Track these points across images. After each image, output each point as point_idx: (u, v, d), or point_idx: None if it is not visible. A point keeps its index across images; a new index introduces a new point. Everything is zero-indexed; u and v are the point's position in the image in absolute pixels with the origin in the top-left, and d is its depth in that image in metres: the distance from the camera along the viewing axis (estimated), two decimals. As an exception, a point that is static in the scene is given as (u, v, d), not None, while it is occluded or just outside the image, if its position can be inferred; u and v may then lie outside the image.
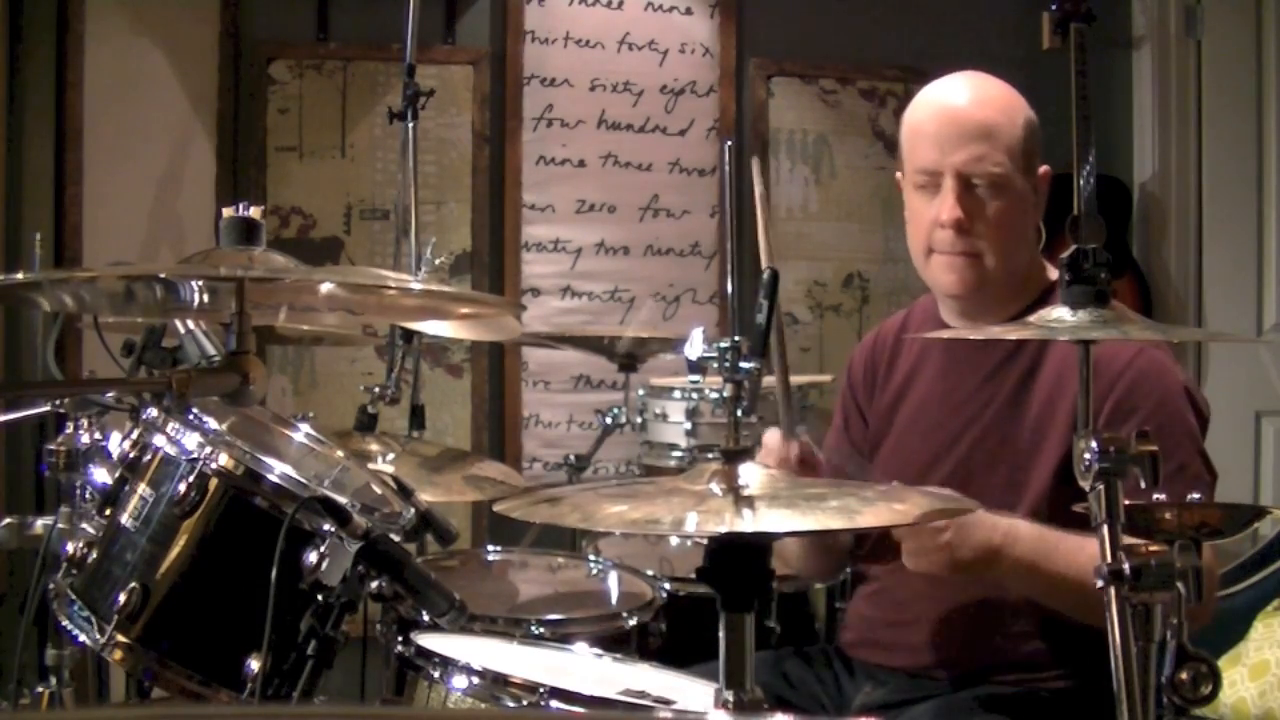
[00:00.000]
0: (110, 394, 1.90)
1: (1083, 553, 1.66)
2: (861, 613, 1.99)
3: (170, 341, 1.80)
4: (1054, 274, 1.91)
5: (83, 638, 1.58)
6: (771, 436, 1.85)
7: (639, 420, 3.03)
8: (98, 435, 1.88)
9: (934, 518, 1.39)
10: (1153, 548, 1.20)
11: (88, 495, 1.81)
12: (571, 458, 3.10)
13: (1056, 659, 1.79)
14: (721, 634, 1.31)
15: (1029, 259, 1.93)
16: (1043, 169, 1.90)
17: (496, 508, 1.44)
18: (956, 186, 1.84)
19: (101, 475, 1.73)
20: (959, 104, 1.88)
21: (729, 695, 1.31)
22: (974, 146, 1.84)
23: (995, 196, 1.85)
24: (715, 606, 1.32)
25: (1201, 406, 1.82)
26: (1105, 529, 1.21)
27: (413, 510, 1.64)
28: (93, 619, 1.56)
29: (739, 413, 1.40)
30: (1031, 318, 1.42)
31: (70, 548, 1.65)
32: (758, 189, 1.87)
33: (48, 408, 2.11)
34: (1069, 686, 1.79)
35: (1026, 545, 1.69)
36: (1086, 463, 1.23)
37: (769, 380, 2.16)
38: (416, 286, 1.77)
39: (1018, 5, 3.92)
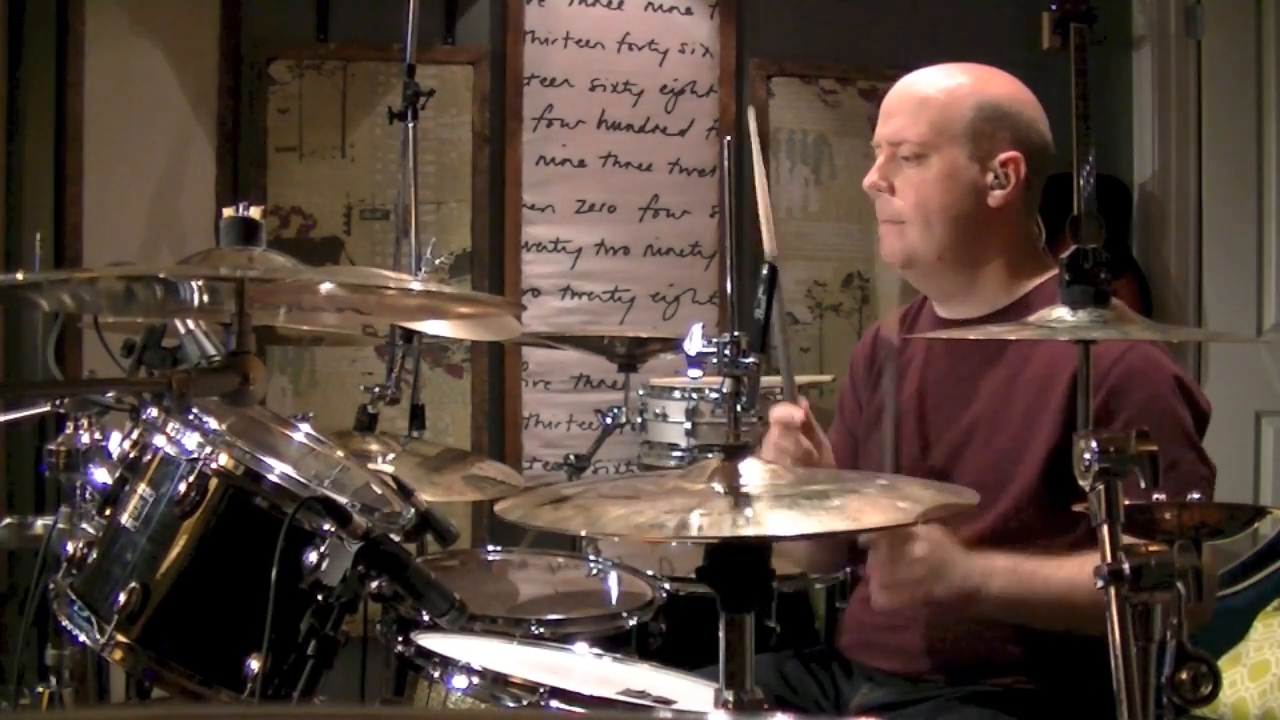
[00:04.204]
0: (110, 394, 1.90)
1: (1061, 572, 1.67)
2: (857, 616, 1.98)
3: (170, 341, 1.80)
4: (1049, 273, 1.92)
5: (83, 638, 1.58)
6: (778, 406, 1.89)
7: (639, 420, 3.03)
8: (98, 435, 1.88)
9: (933, 514, 1.39)
10: (1153, 548, 1.20)
11: (88, 495, 1.81)
12: (571, 458, 3.10)
13: (1053, 659, 1.79)
14: (721, 634, 1.31)
15: (997, 246, 1.91)
16: (1008, 154, 1.88)
17: (496, 508, 1.44)
18: (882, 155, 1.94)
19: (101, 475, 1.73)
20: (904, 82, 1.96)
21: (729, 695, 1.31)
22: (900, 118, 1.92)
23: (918, 167, 1.89)
24: (715, 606, 1.32)
25: (1198, 400, 1.81)
26: (1105, 529, 1.21)
27: (413, 510, 1.63)
28: (93, 619, 1.56)
29: (739, 408, 1.40)
30: (1031, 317, 1.42)
31: (70, 548, 1.65)
32: (755, 146, 1.91)
33: (48, 408, 2.11)
34: (1066, 686, 1.78)
35: (1003, 579, 1.71)
36: (1086, 463, 1.23)
37: (769, 380, 2.16)
38: (416, 287, 1.77)
39: (1018, 5, 3.92)
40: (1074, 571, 1.63)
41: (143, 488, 1.60)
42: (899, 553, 1.70)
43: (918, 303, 2.09)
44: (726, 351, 1.40)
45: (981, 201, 1.89)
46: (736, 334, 1.40)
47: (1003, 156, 1.88)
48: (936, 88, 1.91)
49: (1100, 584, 1.19)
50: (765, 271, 1.67)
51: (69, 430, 1.87)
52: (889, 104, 1.95)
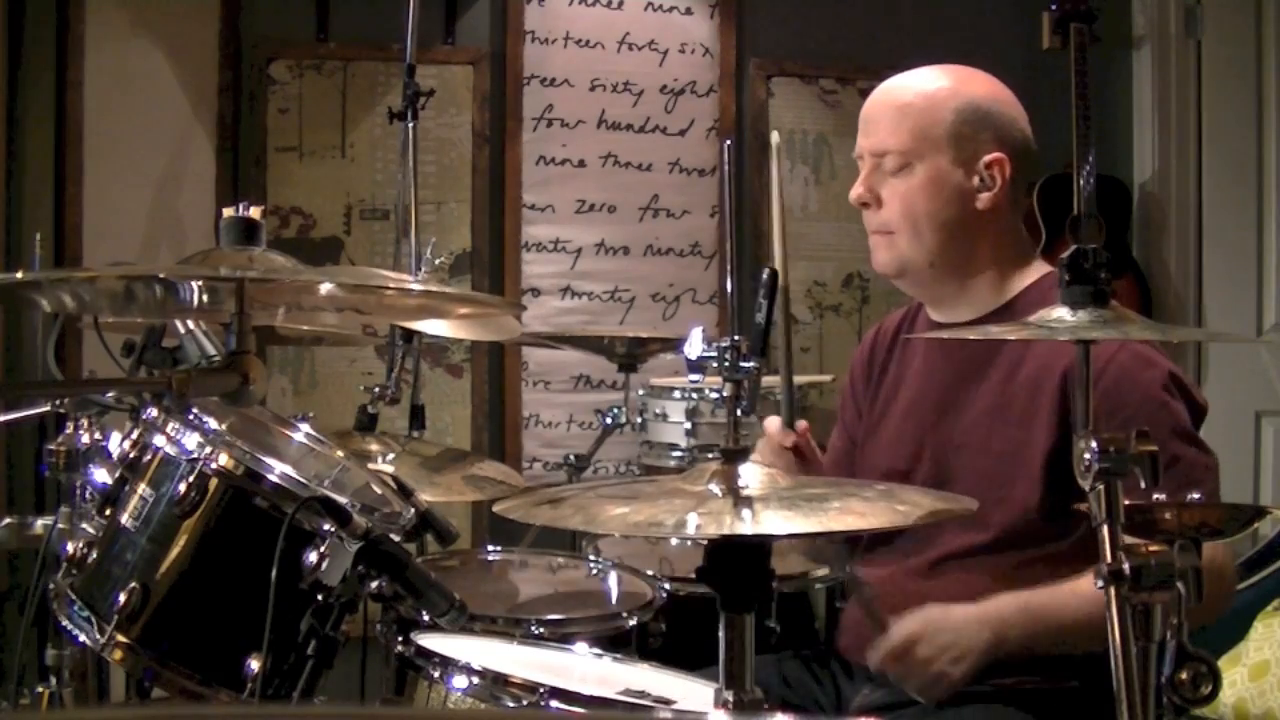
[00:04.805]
0: (110, 394, 1.90)
1: (1075, 596, 1.66)
2: (857, 618, 1.98)
3: (170, 341, 1.80)
4: (1039, 273, 1.92)
5: (83, 638, 1.58)
6: (772, 421, 1.88)
7: (639, 420, 3.03)
8: (98, 435, 1.88)
9: (930, 518, 1.39)
10: (1153, 548, 1.20)
11: (88, 495, 1.81)
12: (571, 458, 3.10)
13: (1054, 659, 1.79)
14: (721, 634, 1.31)
15: (987, 249, 1.91)
16: (993, 155, 1.87)
17: (496, 508, 1.44)
18: (866, 166, 1.93)
19: (101, 475, 1.73)
20: (882, 89, 1.96)
21: (729, 695, 1.31)
22: (881, 128, 1.91)
23: (903, 176, 1.89)
24: (715, 606, 1.32)
25: (1194, 395, 1.81)
26: (1105, 529, 1.21)
27: (413, 510, 1.64)
28: (93, 619, 1.56)
29: (739, 412, 1.40)
30: (1031, 318, 1.42)
31: (70, 548, 1.65)
32: (774, 176, 1.90)
33: (48, 408, 2.11)
34: (1066, 686, 1.78)
35: (1019, 625, 1.71)
36: (1086, 463, 1.23)
37: (769, 380, 2.16)
38: (416, 287, 1.77)
39: (1018, 5, 3.92)
40: (1085, 595, 1.62)
41: (143, 488, 1.60)
42: (908, 664, 1.71)
43: (914, 307, 2.09)
44: (727, 357, 1.39)
45: (969, 205, 1.88)
46: (737, 338, 1.40)
47: (987, 158, 1.88)
48: (915, 93, 1.91)
49: (1100, 584, 1.19)
50: (765, 276, 1.67)
51: (69, 430, 1.88)
52: (868, 113, 1.95)
